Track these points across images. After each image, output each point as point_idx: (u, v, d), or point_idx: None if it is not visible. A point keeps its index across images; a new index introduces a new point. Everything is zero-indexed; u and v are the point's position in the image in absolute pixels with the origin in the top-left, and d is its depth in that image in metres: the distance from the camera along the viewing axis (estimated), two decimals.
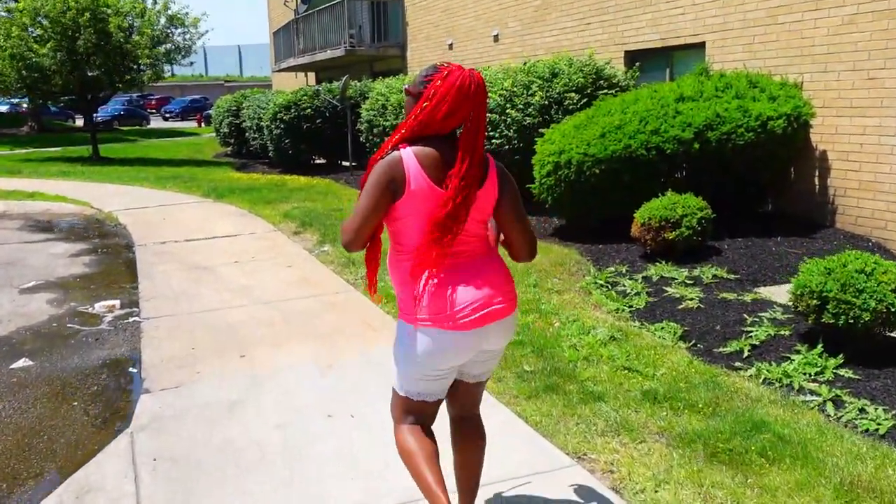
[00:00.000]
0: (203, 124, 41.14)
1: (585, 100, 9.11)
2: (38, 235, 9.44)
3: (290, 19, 23.95)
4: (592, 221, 7.97)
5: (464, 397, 2.61)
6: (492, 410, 3.75)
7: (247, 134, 18.77)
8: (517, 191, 2.48)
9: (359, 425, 3.68)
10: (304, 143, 15.92)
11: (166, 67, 20.51)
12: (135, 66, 19.03)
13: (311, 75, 26.12)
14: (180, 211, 10.87)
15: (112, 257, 8.02)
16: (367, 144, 14.24)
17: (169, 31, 19.65)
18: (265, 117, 16.50)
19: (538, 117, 9.20)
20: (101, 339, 5.22)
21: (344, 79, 14.95)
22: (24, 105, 33.51)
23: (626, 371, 4.26)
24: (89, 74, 18.46)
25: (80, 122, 40.45)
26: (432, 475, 2.33)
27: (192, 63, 21.10)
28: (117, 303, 6.05)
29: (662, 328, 5.06)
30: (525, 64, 10.04)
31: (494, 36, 13.89)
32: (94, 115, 36.37)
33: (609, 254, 7.18)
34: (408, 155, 2.27)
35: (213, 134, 24.66)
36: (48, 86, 18.34)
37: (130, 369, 4.64)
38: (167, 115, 52.36)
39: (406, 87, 2.41)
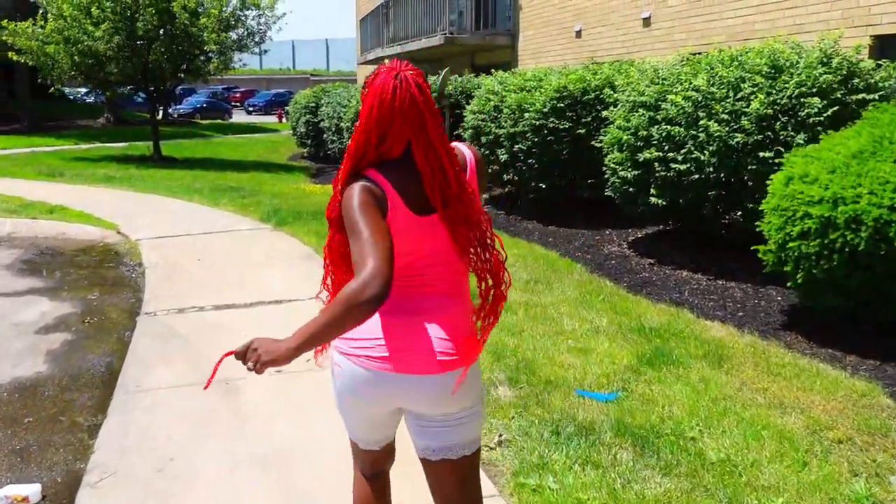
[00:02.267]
0: (283, 119, 39.01)
1: (835, 108, 5.80)
2: (23, 282, 6.76)
3: (379, 4, 21.14)
4: (879, 320, 4.71)
5: (438, 485, 2.03)
6: None
7: (325, 135, 16.06)
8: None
9: None
10: None
11: (237, 56, 17.94)
12: (200, 53, 16.48)
13: None
14: (225, 244, 8.05)
15: (95, 340, 5.19)
16: None
17: (241, 14, 17.02)
18: (346, 117, 13.71)
19: (756, 134, 5.95)
20: None
21: (443, 72, 11.95)
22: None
23: None
24: (150, 62, 16.00)
25: (160, 115, 38.96)
26: None
27: (265, 51, 18.55)
28: (35, 491, 3.14)
29: None
30: (720, 52, 6.79)
31: (645, 18, 10.63)
32: (164, 107, 34.51)
33: None
34: (378, 177, 1.86)
35: (291, 131, 22.19)
36: (104, 74, 15.96)
37: None
38: (250, 109, 50.86)
39: None
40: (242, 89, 58.18)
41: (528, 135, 9.07)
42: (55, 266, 7.41)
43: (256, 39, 17.52)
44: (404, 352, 1.88)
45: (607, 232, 8.80)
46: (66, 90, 28.40)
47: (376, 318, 1.90)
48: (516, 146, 9.30)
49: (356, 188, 1.83)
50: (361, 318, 1.65)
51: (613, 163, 7.48)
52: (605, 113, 8.16)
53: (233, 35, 17.20)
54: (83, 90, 38.20)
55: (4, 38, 16.18)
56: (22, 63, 16.37)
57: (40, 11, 16.08)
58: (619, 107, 7.70)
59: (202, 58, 16.72)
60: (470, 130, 10.86)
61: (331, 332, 1.66)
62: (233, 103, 51.78)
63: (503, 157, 9.67)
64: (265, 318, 5.45)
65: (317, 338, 1.66)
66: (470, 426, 2.00)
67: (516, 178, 9.60)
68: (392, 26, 18.66)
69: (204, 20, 15.99)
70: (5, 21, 16.29)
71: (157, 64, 16.30)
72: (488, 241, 2.00)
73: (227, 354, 1.80)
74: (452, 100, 12.56)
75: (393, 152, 1.89)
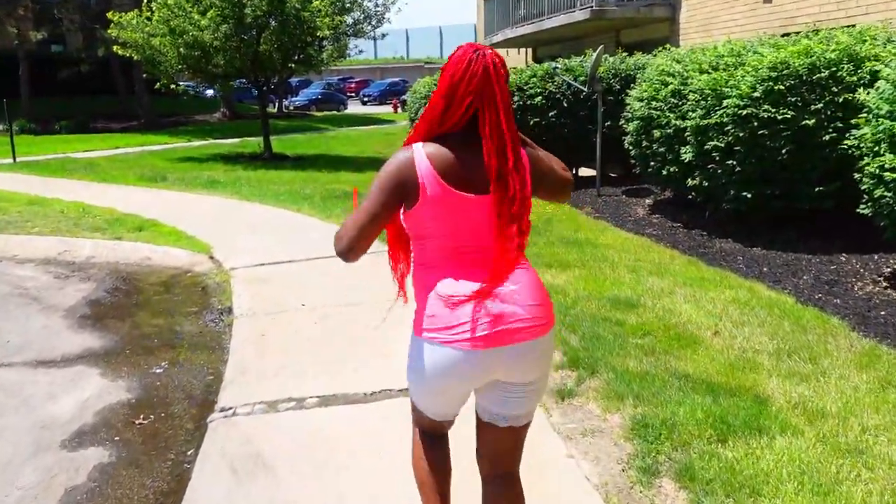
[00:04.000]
0: (399, 110, 37.58)
1: None
2: (78, 339, 5.16)
3: None
4: None
5: (494, 446, 2.18)
6: None
7: None
8: (546, 156, 2.14)
9: None
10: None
11: (352, 43, 16.32)
12: (312, 41, 14.90)
13: (526, 52, 21.16)
14: (338, 276, 6.27)
15: (139, 468, 3.38)
16: (636, 153, 8.99)
17: None
18: None
19: None
20: None
21: (598, 51, 9.79)
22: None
23: None
24: (259, 52, 14.56)
25: (275, 108, 38.38)
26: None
27: (383, 36, 16.87)
28: None
29: None
30: None
31: None
32: (279, 100, 33.70)
33: None
34: (420, 155, 1.99)
35: (409, 122, 20.48)
36: (211, 66, 14.65)
37: None
38: (365, 99, 49.94)
39: None
40: (357, 79, 57.53)
41: (729, 128, 6.82)
42: (125, 311, 5.81)
43: (374, 23, 15.83)
44: (495, 325, 1.96)
45: (842, 258, 6.47)
46: (184, 85, 27.95)
47: (455, 301, 1.99)
48: (709, 143, 7.06)
49: (395, 161, 2.01)
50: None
51: (881, 168, 5.17)
52: (858, 97, 5.82)
53: (348, 19, 15.56)
54: (191, 84, 38.01)
55: (111, 31, 15.18)
56: (128, 58, 15.29)
57: (145, 1, 14.93)
58: (882, 86, 5.37)
59: (315, 45, 15.16)
60: (636, 122, 8.66)
61: None
62: (348, 94, 51.02)
63: (686, 157, 7.45)
64: (396, 419, 3.54)
65: None
66: (537, 396, 2.14)
67: (706, 182, 7.35)
68: (524, 3, 16.54)
69: (317, 3, 14.40)
70: (111, 13, 15.28)
71: (266, 54, 14.87)
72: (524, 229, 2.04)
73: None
74: (605, 84, 10.39)
75: (458, 120, 1.99)
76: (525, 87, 10.87)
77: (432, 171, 1.97)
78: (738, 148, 6.80)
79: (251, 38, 14.51)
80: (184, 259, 7.28)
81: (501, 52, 23.33)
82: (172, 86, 15.24)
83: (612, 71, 10.81)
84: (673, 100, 7.84)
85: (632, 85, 9.55)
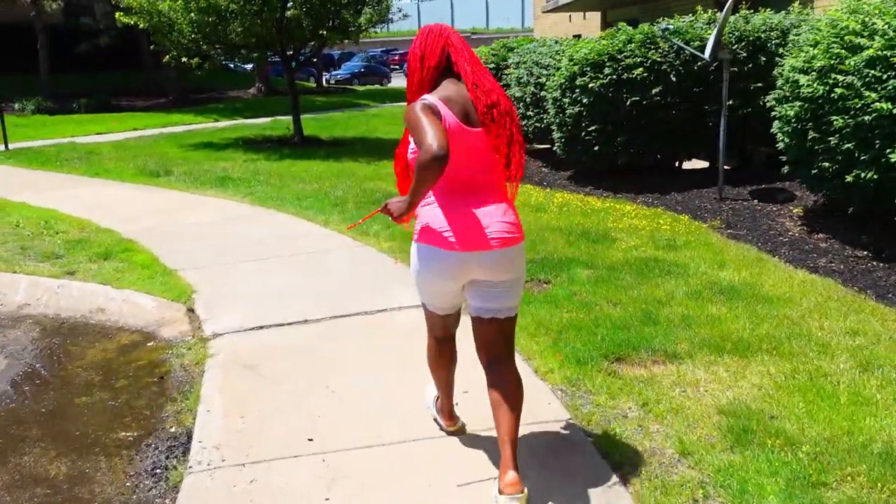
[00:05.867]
0: None
1: None
2: None
3: None
4: None
5: (483, 337, 2.68)
6: None
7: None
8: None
9: None
10: (626, 132, 8.40)
11: (395, 8, 13.81)
12: (348, 3, 12.43)
13: (602, 17, 18.35)
14: (377, 354, 3.91)
15: None
16: (788, 145, 6.39)
17: None
18: (551, 83, 9.22)
19: None
20: None
21: (727, 5, 7.15)
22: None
23: None
24: (285, 17, 12.15)
25: (315, 83, 36.09)
26: (443, 382, 2.90)
27: None
28: None
29: None
30: None
31: None
32: (318, 74, 31.39)
33: None
34: (432, 98, 2.44)
35: None
36: (228, 34, 12.29)
37: None
38: None
39: None
40: (401, 51, 55.14)
41: None
42: (17, 436, 3.50)
43: None
44: (472, 235, 2.49)
45: None
46: (217, 58, 25.66)
47: (446, 213, 2.51)
48: None
49: (415, 104, 2.41)
50: (434, 175, 2.27)
51: None
52: None
53: None
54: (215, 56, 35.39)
55: None
56: (132, 26, 13.02)
57: None
58: None
59: (351, 9, 12.70)
60: (798, 105, 6.04)
61: (421, 188, 2.34)
62: (392, 66, 48.60)
63: None
64: None
65: (416, 193, 2.37)
66: (515, 293, 2.65)
67: None
68: None
69: None
70: None
71: (294, 20, 12.46)
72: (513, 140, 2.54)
73: (375, 212, 2.65)
74: (729, 52, 7.77)
75: (436, 65, 2.53)
76: (619, 56, 8.29)
77: (446, 108, 2.43)
78: None
79: (275, 2, 12.10)
80: (150, 313, 4.96)
81: (563, 16, 20.54)
82: (184, 59, 12.95)
83: (736, 34, 8.18)
84: (872, 72, 5.24)
85: (781, 51, 6.93)
